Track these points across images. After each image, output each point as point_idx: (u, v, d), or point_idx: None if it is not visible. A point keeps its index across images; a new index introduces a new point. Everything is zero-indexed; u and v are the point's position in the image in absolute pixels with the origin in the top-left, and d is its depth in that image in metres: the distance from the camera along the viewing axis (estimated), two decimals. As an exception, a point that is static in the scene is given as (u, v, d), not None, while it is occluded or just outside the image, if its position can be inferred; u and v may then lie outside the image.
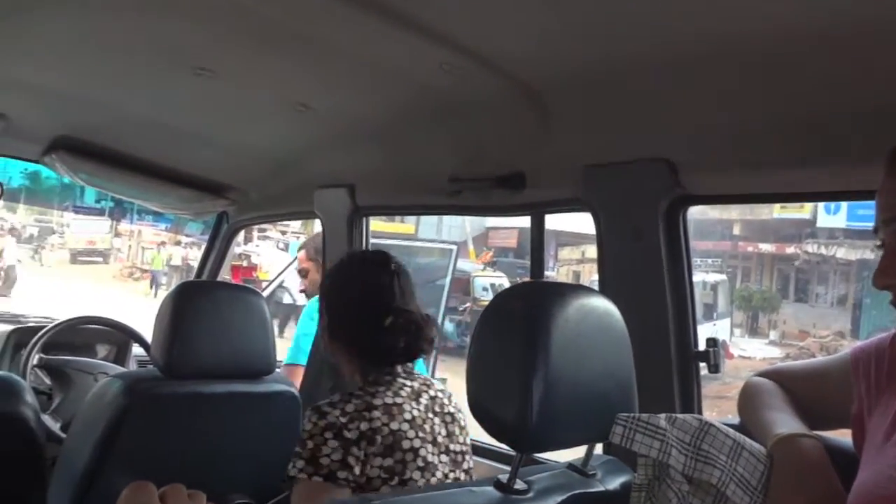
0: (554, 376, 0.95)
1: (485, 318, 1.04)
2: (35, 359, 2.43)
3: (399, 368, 1.43)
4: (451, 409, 1.45)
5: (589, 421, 1.01)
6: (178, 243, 16.66)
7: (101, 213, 17.69)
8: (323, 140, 2.04)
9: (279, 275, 4.05)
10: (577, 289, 1.10)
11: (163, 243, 17.14)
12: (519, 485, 0.99)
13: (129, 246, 19.66)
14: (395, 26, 1.30)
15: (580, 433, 1.03)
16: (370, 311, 1.41)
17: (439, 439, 1.39)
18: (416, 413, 1.37)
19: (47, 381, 2.42)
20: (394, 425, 1.33)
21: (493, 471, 1.61)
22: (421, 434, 1.36)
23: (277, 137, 2.13)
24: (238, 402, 1.69)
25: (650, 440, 0.94)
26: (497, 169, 1.61)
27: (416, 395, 1.41)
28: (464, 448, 1.45)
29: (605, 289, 1.47)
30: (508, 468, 0.99)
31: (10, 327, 2.88)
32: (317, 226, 2.68)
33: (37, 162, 2.65)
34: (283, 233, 20.16)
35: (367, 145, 1.97)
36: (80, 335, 2.63)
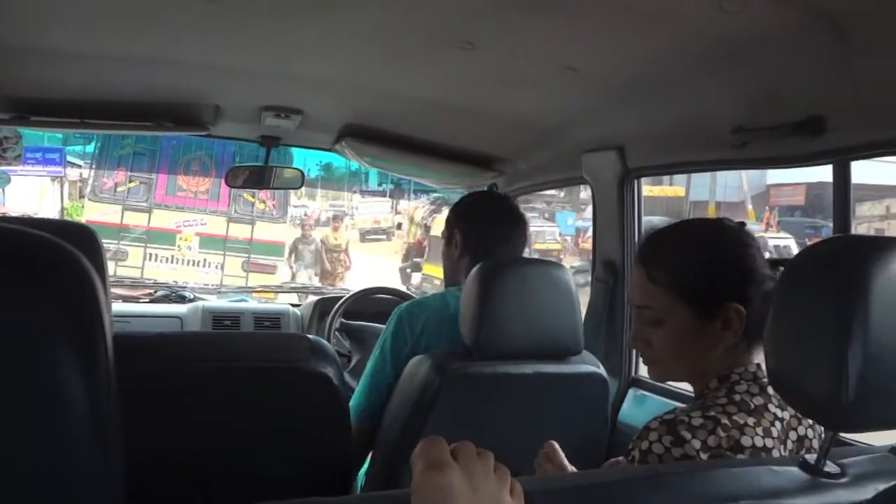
0: (875, 344, 0.80)
1: (788, 277, 0.91)
2: (337, 324, 2.79)
3: (771, 389, 1.11)
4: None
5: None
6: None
7: (383, 194, 19.44)
8: (589, 102, 1.98)
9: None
10: None
11: (437, 220, 18.27)
12: (830, 467, 0.86)
13: (409, 224, 21.28)
14: None
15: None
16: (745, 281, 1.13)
17: None
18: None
19: (347, 344, 2.73)
20: None
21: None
22: None
23: (544, 104, 2.10)
24: (545, 383, 1.64)
25: None
26: (790, 114, 1.43)
27: (786, 436, 1.12)
28: None
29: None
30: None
31: (315, 298, 3.31)
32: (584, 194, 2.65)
33: (329, 150, 2.95)
34: (549, 203, 20.37)
35: (637, 102, 1.86)
36: (372, 304, 2.92)
